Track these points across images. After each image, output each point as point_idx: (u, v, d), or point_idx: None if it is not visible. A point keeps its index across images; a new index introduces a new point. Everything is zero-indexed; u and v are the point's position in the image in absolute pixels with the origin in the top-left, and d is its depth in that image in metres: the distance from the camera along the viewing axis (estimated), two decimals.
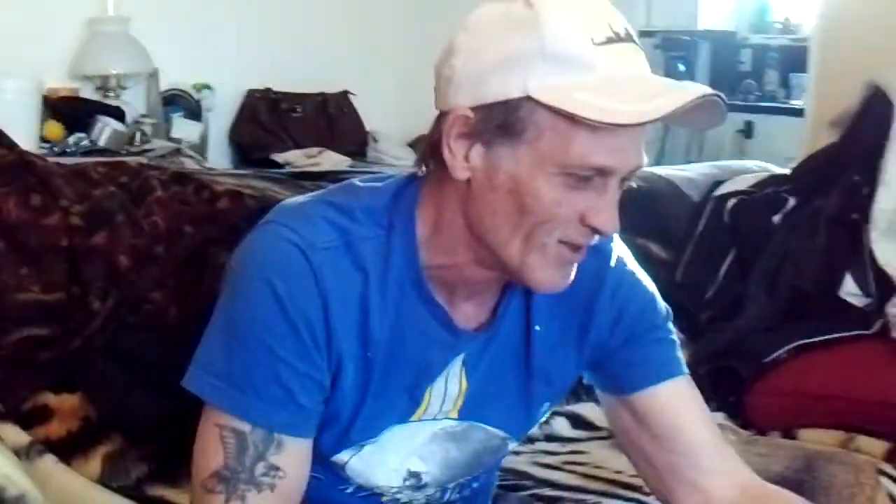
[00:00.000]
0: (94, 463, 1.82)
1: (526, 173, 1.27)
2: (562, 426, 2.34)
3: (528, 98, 1.26)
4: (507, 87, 1.27)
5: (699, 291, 2.78)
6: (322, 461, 1.44)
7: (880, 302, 2.53)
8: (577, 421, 2.35)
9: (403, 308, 1.38)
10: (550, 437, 2.31)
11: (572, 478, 2.08)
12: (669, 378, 1.52)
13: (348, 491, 1.49)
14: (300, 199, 1.44)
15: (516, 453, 2.21)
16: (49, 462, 1.72)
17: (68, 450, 1.79)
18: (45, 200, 1.89)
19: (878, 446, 2.26)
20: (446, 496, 1.55)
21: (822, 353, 2.46)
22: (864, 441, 2.28)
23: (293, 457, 1.36)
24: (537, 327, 1.47)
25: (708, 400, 2.25)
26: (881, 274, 2.56)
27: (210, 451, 1.34)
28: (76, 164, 2.17)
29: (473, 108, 1.29)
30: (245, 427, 1.33)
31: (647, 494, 1.96)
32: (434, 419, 1.46)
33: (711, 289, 2.79)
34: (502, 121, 1.27)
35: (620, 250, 1.54)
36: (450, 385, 1.44)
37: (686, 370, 1.55)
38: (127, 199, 1.98)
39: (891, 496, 2.09)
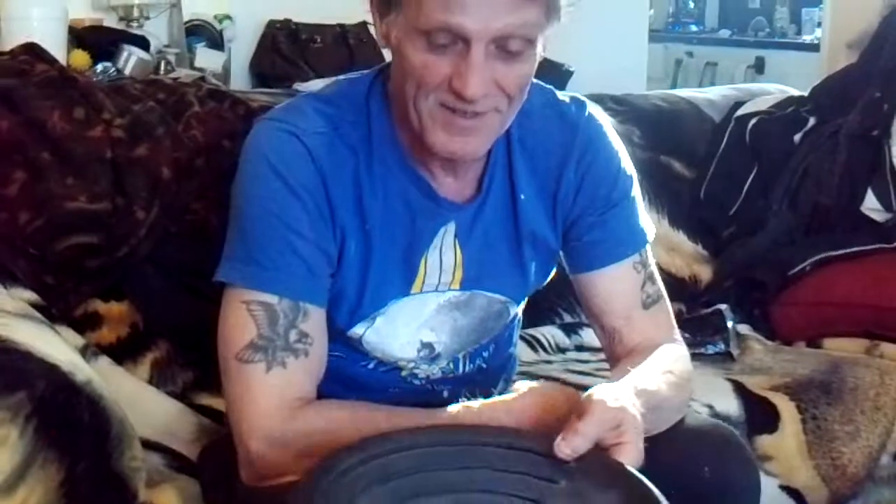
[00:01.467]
0: (143, 368, 1.88)
1: (401, 39, 1.37)
2: (592, 337, 2.38)
3: None
4: None
5: (722, 208, 2.82)
6: (340, 338, 1.52)
7: None
8: None
9: (390, 183, 1.49)
10: (581, 347, 2.35)
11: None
12: (610, 264, 1.60)
13: (370, 367, 1.57)
14: (290, 100, 1.55)
15: (548, 362, 2.27)
16: (104, 363, 1.78)
17: (118, 355, 1.85)
18: (89, 113, 1.93)
19: None
20: (459, 368, 1.63)
21: (845, 265, 2.49)
22: (887, 347, 2.32)
23: (317, 324, 1.44)
24: (522, 196, 1.56)
25: (733, 311, 2.33)
26: None
27: (240, 326, 1.40)
28: (114, 81, 2.21)
29: None
30: (272, 299, 1.40)
31: None
32: (436, 291, 1.54)
33: (734, 205, 2.82)
34: None
35: (595, 122, 1.61)
36: (444, 256, 1.53)
37: (635, 247, 1.61)
38: (166, 114, 2.02)
39: None
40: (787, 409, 2.03)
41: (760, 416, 1.99)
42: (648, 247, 1.64)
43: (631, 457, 1.23)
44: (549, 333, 2.37)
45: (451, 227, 1.52)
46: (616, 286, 1.61)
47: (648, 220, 1.65)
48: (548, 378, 2.11)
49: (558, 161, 1.57)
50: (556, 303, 2.42)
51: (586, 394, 1.28)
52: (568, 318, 2.42)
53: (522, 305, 1.68)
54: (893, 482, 2.05)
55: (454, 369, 1.62)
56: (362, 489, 1.22)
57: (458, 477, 1.27)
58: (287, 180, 1.41)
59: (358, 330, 1.52)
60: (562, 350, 2.34)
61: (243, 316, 1.40)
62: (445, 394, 1.62)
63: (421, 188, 1.50)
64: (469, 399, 1.39)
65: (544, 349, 2.33)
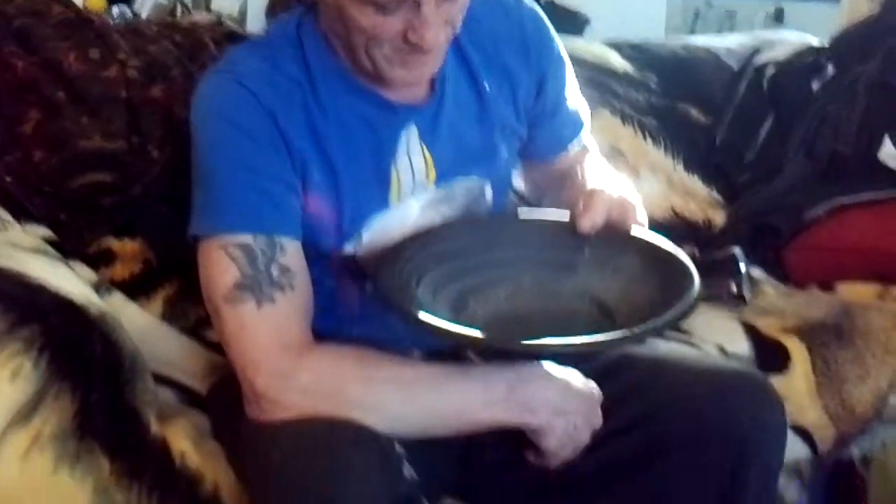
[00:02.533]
0: (156, 304, 1.89)
1: (342, 2, 1.39)
2: None
3: None
4: None
5: (738, 155, 2.81)
6: (334, 264, 1.55)
7: None
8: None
9: (340, 104, 1.51)
10: None
11: None
12: (562, 150, 1.76)
13: (368, 289, 1.59)
14: (227, 52, 1.61)
15: None
16: (118, 298, 1.80)
17: (131, 292, 1.86)
18: (104, 54, 1.94)
19: None
20: None
21: (860, 211, 2.47)
22: None
23: (296, 257, 1.46)
24: (487, 88, 1.60)
25: (747, 256, 2.33)
26: None
27: (222, 269, 1.42)
28: (130, 23, 2.22)
29: None
30: (247, 238, 1.43)
31: (691, 335, 2.03)
32: (414, 195, 1.57)
33: (750, 152, 2.81)
34: None
35: (536, 15, 1.67)
36: (414, 160, 1.55)
37: (580, 127, 1.77)
38: (182, 55, 2.02)
39: None
40: (797, 350, 2.03)
41: (771, 356, 2.01)
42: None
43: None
44: None
45: (412, 130, 1.55)
46: (566, 160, 1.75)
47: (582, 98, 1.77)
48: None
49: (510, 55, 1.63)
50: None
51: (585, 191, 1.52)
52: None
53: (509, 190, 1.73)
54: None
55: None
56: (423, 273, 1.47)
57: (504, 254, 1.53)
58: (237, 125, 1.44)
59: (348, 249, 1.54)
60: None
61: (223, 260, 1.42)
62: None
63: (372, 100, 1.52)
64: None
65: None
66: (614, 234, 1.48)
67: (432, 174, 1.57)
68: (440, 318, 1.36)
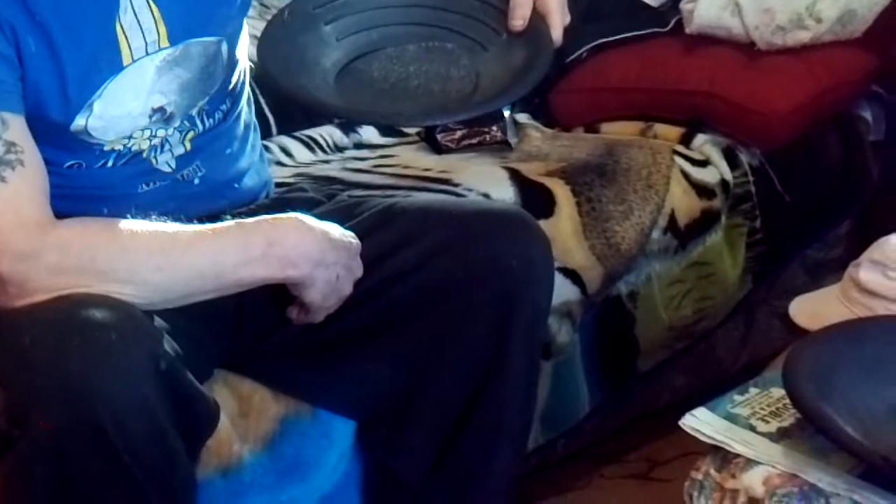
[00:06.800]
0: None
1: None
2: (371, 134, 2.36)
3: None
4: None
5: None
6: (69, 140, 1.47)
7: (675, 0, 2.58)
8: (386, 127, 2.37)
9: None
10: (359, 145, 2.32)
11: (382, 178, 2.11)
12: None
13: (109, 164, 1.52)
14: None
15: (326, 161, 2.24)
16: None
17: None
18: None
19: (673, 131, 2.34)
20: (198, 125, 1.60)
21: (621, 51, 2.49)
22: (660, 128, 2.36)
23: (21, 132, 1.38)
24: None
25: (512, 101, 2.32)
26: None
27: None
28: None
29: None
30: None
31: (456, 185, 2.03)
32: (148, 54, 1.49)
33: None
34: None
35: None
36: (141, 16, 1.48)
37: None
38: None
39: (683, 172, 2.20)
40: (562, 193, 2.05)
41: (536, 201, 2.01)
42: None
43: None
44: (327, 133, 2.33)
45: None
46: None
47: None
48: (326, 178, 2.10)
49: None
50: None
51: None
52: None
53: (244, 49, 1.66)
54: (663, 254, 2.13)
55: (192, 126, 1.59)
56: (339, 16, 1.68)
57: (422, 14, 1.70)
58: None
59: (79, 122, 1.46)
60: (340, 149, 2.31)
61: None
62: (196, 181, 1.60)
63: None
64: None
65: (322, 149, 2.29)
66: (531, 27, 1.62)
67: (162, 30, 1.50)
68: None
